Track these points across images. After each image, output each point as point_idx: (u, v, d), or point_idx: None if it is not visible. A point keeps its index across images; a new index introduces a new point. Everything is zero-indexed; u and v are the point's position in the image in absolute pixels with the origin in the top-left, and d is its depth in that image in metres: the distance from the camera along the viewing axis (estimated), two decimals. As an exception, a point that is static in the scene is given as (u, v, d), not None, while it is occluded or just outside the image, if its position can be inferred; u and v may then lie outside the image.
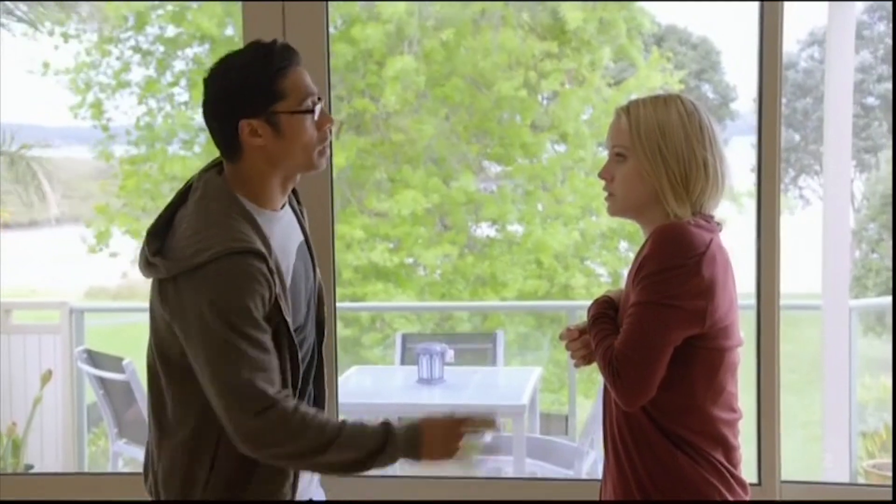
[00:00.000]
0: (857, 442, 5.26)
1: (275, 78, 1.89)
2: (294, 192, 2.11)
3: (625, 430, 1.96)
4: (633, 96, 8.93)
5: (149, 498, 2.05)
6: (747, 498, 1.99)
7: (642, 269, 1.91)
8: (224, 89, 1.91)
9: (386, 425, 1.91)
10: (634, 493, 1.95)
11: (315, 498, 2.17)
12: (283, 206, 2.02)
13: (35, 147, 9.96)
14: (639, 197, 1.96)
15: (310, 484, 2.14)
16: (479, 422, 1.97)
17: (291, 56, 1.93)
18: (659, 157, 1.93)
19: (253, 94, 1.89)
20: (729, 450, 1.96)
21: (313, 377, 2.12)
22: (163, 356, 1.94)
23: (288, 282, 1.95)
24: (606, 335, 1.96)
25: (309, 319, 2.08)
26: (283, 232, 2.00)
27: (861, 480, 4.92)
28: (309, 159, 1.96)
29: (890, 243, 11.18)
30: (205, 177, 1.99)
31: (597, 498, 2.11)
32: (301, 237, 2.08)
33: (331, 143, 2.02)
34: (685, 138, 1.93)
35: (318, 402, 2.15)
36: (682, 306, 1.87)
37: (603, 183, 2.03)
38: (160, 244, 1.93)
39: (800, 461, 6.55)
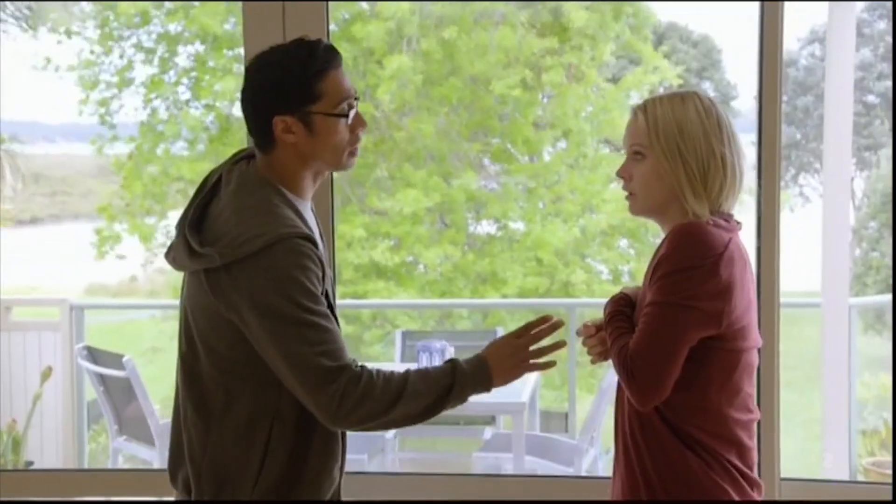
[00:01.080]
0: (857, 440, 5.26)
1: (314, 79, 1.93)
2: None
3: (637, 428, 1.95)
4: (633, 93, 8.99)
5: (151, 496, 2.06)
6: (760, 499, 1.97)
7: (659, 269, 1.89)
8: (263, 83, 1.96)
9: (451, 363, 1.98)
10: (642, 492, 1.95)
11: None
12: (311, 198, 2.09)
13: (36, 143, 9.94)
14: (658, 196, 1.95)
15: None
16: (540, 326, 2.03)
17: (333, 58, 1.97)
18: (677, 155, 1.92)
19: (290, 92, 1.93)
20: (744, 451, 1.95)
21: None
22: (208, 348, 1.96)
23: (329, 271, 2.01)
24: (622, 333, 1.95)
25: None
26: (312, 221, 2.06)
27: (861, 478, 4.93)
28: (339, 159, 2.01)
29: (890, 241, 11.18)
30: (236, 169, 2.03)
31: (595, 494, 2.11)
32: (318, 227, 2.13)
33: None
34: (703, 135, 1.92)
35: None
36: (699, 307, 1.86)
37: (622, 182, 2.02)
38: (202, 236, 1.95)
39: (800, 459, 6.56)
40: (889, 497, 2.82)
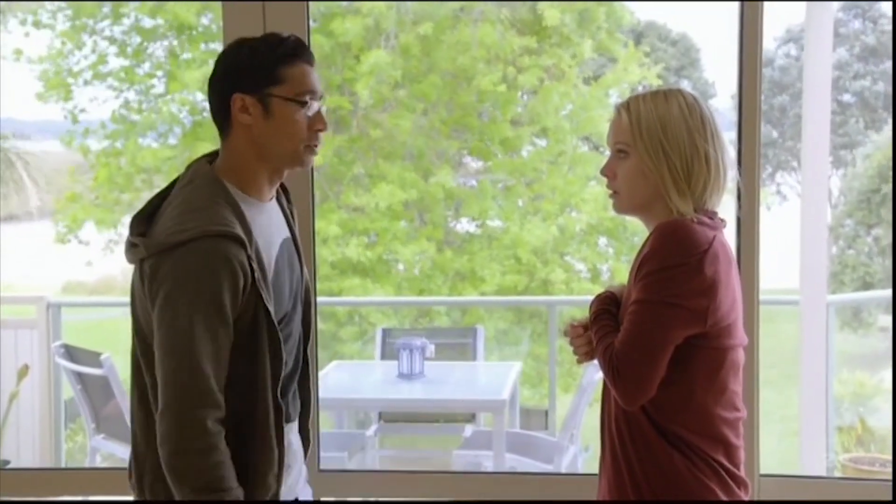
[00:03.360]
0: (834, 436, 5.30)
1: (278, 63, 1.95)
2: (285, 190, 2.14)
3: (623, 427, 1.94)
4: (612, 91, 9.01)
5: (131, 495, 2.04)
6: (747, 498, 1.97)
7: (643, 267, 1.88)
8: (228, 64, 1.98)
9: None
10: (629, 492, 1.94)
11: (301, 496, 2.16)
12: (271, 198, 2.04)
13: (12, 139, 9.87)
14: (642, 194, 1.94)
15: (296, 482, 2.13)
16: None
17: (302, 52, 1.98)
18: (661, 153, 1.91)
19: (253, 71, 1.94)
20: (731, 449, 1.94)
21: (298, 378, 2.12)
22: (144, 345, 1.95)
23: (270, 273, 1.96)
24: (607, 332, 1.94)
25: (294, 315, 2.07)
26: (269, 223, 2.01)
27: (837, 474, 4.96)
28: (295, 151, 1.98)
29: (866, 239, 11.27)
30: (194, 166, 2.02)
31: (575, 491, 2.11)
32: (287, 233, 2.09)
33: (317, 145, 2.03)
34: (687, 133, 1.91)
35: (305, 404, 2.16)
36: (684, 305, 1.85)
37: (606, 181, 2.01)
38: (145, 228, 1.95)
39: (777, 455, 6.60)
40: (888, 497, 2.83)
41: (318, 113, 1.99)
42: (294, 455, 2.10)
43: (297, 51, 1.97)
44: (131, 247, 1.94)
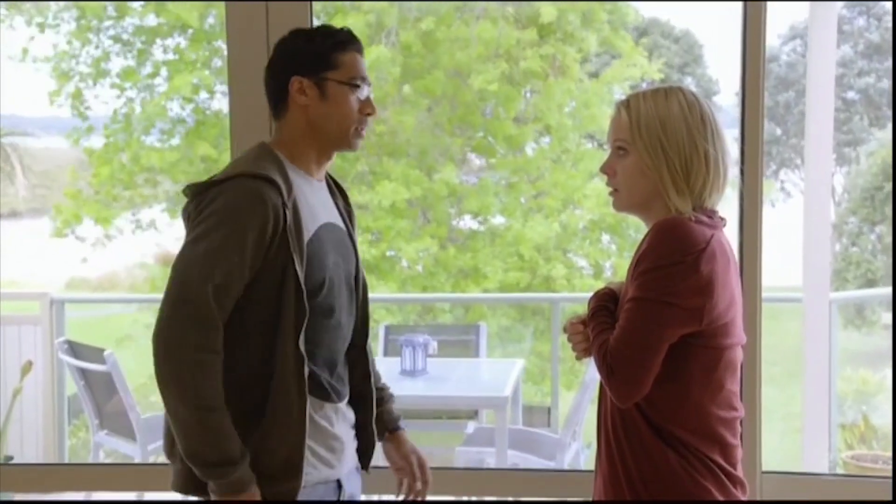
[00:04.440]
0: (837, 434, 5.30)
1: (333, 49, 2.10)
2: (343, 194, 2.26)
3: (619, 426, 1.94)
4: (615, 88, 9.00)
5: (133, 491, 2.06)
6: (744, 497, 1.96)
7: (640, 264, 1.88)
8: (287, 49, 2.14)
9: (242, 456, 1.95)
10: (625, 490, 1.93)
11: (348, 484, 2.20)
12: (320, 179, 2.17)
13: (11, 135, 9.88)
14: (641, 192, 1.94)
15: (343, 466, 2.17)
16: None
17: (354, 41, 2.14)
18: (660, 151, 1.90)
19: (311, 56, 2.09)
20: (727, 449, 1.93)
21: (359, 375, 2.21)
22: None
23: (307, 235, 2.05)
24: (603, 329, 1.94)
25: (340, 297, 2.14)
26: (314, 195, 2.13)
27: (840, 471, 4.96)
28: (345, 133, 2.12)
29: (870, 237, 11.26)
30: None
31: (577, 488, 2.10)
32: (338, 222, 2.19)
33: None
34: (686, 131, 1.91)
35: (366, 402, 2.24)
36: (679, 304, 1.84)
37: (606, 178, 2.00)
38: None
39: (780, 453, 6.60)
40: (884, 495, 2.83)
41: (368, 98, 2.14)
42: (336, 438, 2.13)
43: (350, 39, 2.12)
44: (184, 196, 2.08)
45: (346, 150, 2.15)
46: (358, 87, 2.10)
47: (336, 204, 2.21)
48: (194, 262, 1.96)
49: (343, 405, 2.16)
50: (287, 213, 1.99)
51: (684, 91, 1.96)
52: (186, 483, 2.03)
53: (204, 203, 2.00)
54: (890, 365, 7.29)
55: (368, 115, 2.12)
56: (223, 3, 2.89)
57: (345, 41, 2.11)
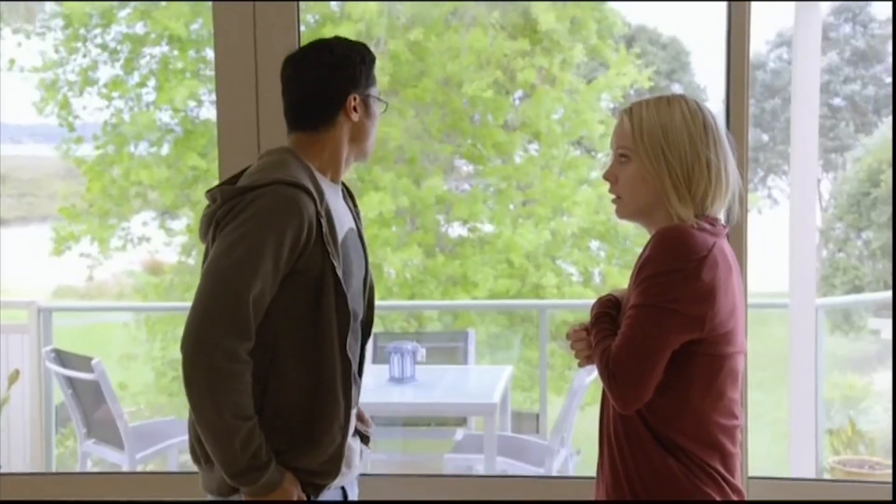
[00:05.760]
0: (824, 439, 5.31)
1: (371, 65, 2.15)
2: (350, 195, 2.25)
3: (621, 432, 1.94)
4: (604, 95, 9.02)
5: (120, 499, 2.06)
6: (743, 500, 1.97)
7: (643, 271, 1.88)
8: (341, 64, 2.10)
9: (269, 460, 1.97)
10: (627, 496, 1.94)
11: (351, 492, 2.22)
12: (338, 185, 2.17)
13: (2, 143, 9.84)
14: (643, 199, 1.94)
15: (351, 476, 2.19)
16: None
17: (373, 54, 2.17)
18: (662, 159, 1.91)
19: (364, 74, 2.12)
20: (726, 456, 1.94)
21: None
22: None
23: (340, 238, 2.05)
24: (605, 336, 1.94)
25: (359, 300, 2.16)
26: (338, 202, 2.14)
27: (827, 477, 4.98)
28: (372, 146, 2.17)
29: (857, 242, 11.31)
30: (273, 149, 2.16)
31: (565, 494, 2.11)
32: (354, 225, 2.19)
33: None
34: (689, 139, 1.91)
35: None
36: (681, 311, 1.84)
37: (608, 185, 2.01)
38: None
39: (768, 458, 6.62)
40: (873, 498, 2.85)
41: None
42: (351, 449, 2.16)
43: (372, 55, 2.16)
44: (209, 205, 2.04)
45: (360, 161, 2.18)
46: (386, 102, 2.18)
47: (348, 207, 2.23)
48: (231, 269, 1.93)
49: (354, 411, 2.17)
50: (322, 221, 2.00)
51: (687, 99, 1.97)
52: (221, 486, 2.04)
53: (238, 208, 1.96)
54: (877, 370, 7.32)
55: None
56: (209, 11, 2.89)
57: (372, 56, 2.15)
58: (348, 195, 2.26)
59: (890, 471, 5.01)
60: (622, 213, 2.01)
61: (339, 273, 2.01)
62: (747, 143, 2.81)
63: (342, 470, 2.11)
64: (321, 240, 1.99)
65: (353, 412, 2.15)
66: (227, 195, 2.00)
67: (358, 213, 2.26)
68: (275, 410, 2.00)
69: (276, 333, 1.99)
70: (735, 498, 1.95)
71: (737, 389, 1.96)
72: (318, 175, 2.08)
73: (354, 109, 2.09)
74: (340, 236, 2.06)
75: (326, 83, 2.09)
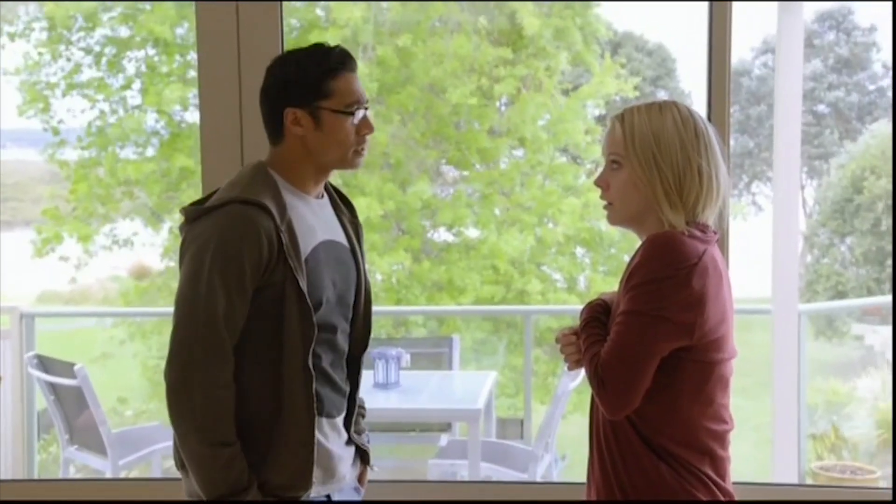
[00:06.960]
0: (807, 444, 5.33)
1: (326, 77, 2.06)
2: (350, 207, 2.25)
3: (611, 438, 1.94)
4: (589, 102, 9.03)
5: None
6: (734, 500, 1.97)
7: (633, 278, 1.88)
8: (278, 78, 2.09)
9: (250, 485, 1.99)
10: (618, 498, 1.94)
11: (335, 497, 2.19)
12: (318, 195, 2.16)
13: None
14: (634, 205, 1.94)
15: (335, 486, 2.17)
16: None
17: (347, 61, 2.10)
18: (653, 165, 1.91)
19: (302, 87, 2.06)
20: (717, 460, 1.94)
21: (353, 385, 2.23)
22: None
23: (304, 253, 2.05)
24: (594, 341, 1.93)
25: (339, 313, 2.14)
26: (311, 214, 2.12)
27: (809, 482, 5.00)
28: (343, 157, 2.11)
29: (840, 248, 11.37)
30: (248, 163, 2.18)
31: (551, 500, 2.10)
32: (339, 238, 2.17)
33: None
34: (680, 146, 1.91)
35: (350, 412, 2.23)
36: (670, 318, 1.84)
37: (600, 192, 2.01)
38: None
39: (751, 463, 6.63)
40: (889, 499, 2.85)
41: (365, 118, 2.11)
42: (330, 454, 2.13)
43: (342, 62, 2.08)
44: (181, 216, 2.09)
45: (347, 169, 2.14)
46: (352, 113, 2.07)
47: (340, 219, 2.21)
48: (196, 297, 1.97)
49: (339, 420, 2.17)
50: (283, 235, 2.00)
51: (678, 106, 1.96)
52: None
53: (196, 231, 2.01)
54: (860, 375, 7.35)
55: (365, 134, 2.11)
56: (193, 14, 2.89)
57: (336, 65, 2.06)
58: (345, 206, 2.25)
59: (872, 476, 5.03)
60: (614, 219, 2.01)
61: (304, 286, 2.01)
62: (728, 148, 2.82)
63: (321, 480, 2.10)
64: (282, 253, 2.00)
65: (335, 422, 2.14)
66: (190, 216, 2.05)
67: (357, 226, 2.25)
68: (239, 422, 2.01)
69: (239, 345, 2.01)
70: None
71: (727, 395, 1.96)
72: (285, 187, 2.07)
73: (297, 124, 2.06)
74: (308, 249, 2.06)
75: (265, 98, 2.11)
